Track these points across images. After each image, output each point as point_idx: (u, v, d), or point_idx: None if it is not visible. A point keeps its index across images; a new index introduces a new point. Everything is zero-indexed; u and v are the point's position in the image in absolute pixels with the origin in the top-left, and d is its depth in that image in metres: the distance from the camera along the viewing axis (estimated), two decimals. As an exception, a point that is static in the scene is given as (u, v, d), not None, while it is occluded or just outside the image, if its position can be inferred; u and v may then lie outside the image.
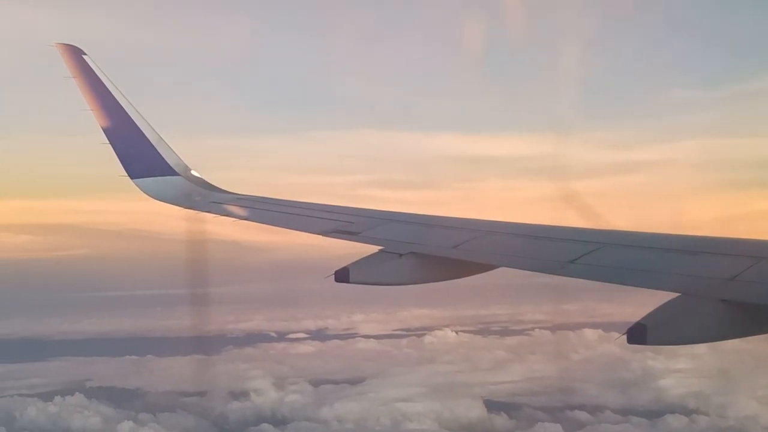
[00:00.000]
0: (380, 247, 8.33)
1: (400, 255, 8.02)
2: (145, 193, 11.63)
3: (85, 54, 11.38)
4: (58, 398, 64.40)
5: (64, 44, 11.44)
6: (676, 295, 5.96)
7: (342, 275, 7.82)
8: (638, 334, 5.58)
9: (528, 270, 7.35)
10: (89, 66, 11.37)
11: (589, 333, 79.26)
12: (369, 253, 8.30)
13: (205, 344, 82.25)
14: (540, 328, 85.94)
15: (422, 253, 8.07)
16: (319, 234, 9.27)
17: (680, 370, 64.24)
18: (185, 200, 11.43)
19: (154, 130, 11.74)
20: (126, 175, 11.58)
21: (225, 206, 11.01)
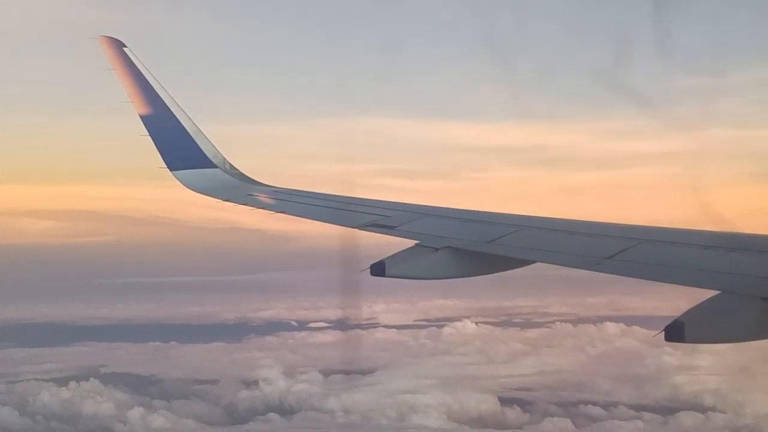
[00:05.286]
0: (415, 241, 8.40)
1: (437, 249, 8.08)
2: (183, 185, 11.75)
3: (126, 47, 11.58)
4: (72, 383, 64.42)
5: (106, 37, 11.63)
6: (712, 292, 5.91)
7: (378, 269, 7.87)
8: (676, 331, 5.55)
9: (564, 266, 7.39)
10: (130, 58, 11.57)
11: (611, 327, 78.57)
12: (401, 247, 8.36)
13: (226, 332, 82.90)
14: (562, 320, 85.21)
15: (458, 247, 8.13)
16: (356, 228, 9.38)
17: (699, 366, 63.51)
18: (223, 192, 11.60)
19: (192, 122, 11.88)
20: (165, 167, 11.79)
21: (262, 199, 11.17)
